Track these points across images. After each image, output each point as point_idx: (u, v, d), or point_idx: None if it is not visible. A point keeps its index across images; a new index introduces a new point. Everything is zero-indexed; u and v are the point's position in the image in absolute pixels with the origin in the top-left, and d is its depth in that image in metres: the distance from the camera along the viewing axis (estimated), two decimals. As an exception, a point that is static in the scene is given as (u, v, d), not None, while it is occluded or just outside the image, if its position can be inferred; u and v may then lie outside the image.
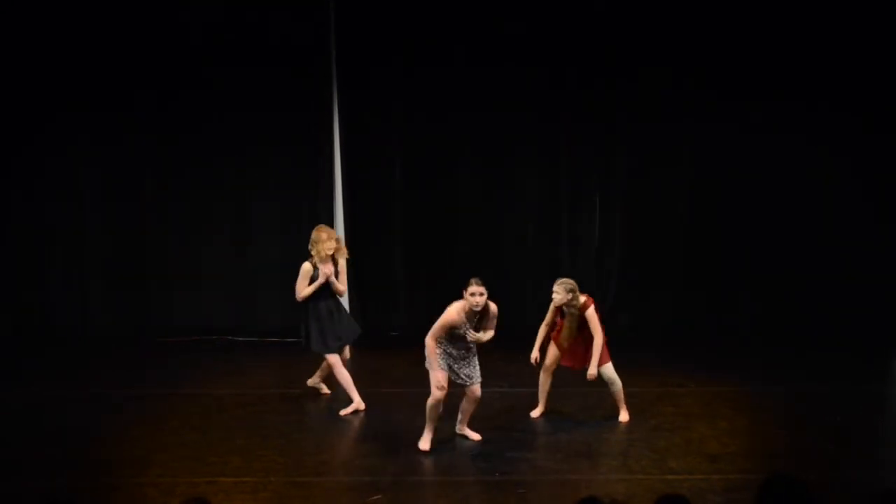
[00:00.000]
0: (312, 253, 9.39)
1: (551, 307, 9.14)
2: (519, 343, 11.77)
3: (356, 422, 9.54)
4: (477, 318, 8.14)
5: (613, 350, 11.86)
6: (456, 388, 8.44)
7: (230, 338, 12.18)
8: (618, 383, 9.26)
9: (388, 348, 11.60)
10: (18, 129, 12.00)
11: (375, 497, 7.48)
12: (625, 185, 12.41)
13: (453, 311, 8.06)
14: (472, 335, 8.11)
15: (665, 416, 9.51)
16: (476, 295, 7.96)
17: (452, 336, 8.16)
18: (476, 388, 8.47)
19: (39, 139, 12.04)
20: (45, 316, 12.36)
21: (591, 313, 8.99)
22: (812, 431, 9.13)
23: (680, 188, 12.32)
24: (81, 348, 11.87)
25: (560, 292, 8.94)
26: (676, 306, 12.30)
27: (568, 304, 8.96)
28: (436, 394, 8.21)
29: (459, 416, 8.70)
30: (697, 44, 11.88)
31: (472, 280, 8.04)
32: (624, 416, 9.32)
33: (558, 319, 9.21)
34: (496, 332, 8.30)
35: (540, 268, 12.48)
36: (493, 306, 8.20)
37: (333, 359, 9.54)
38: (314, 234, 9.40)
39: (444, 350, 8.20)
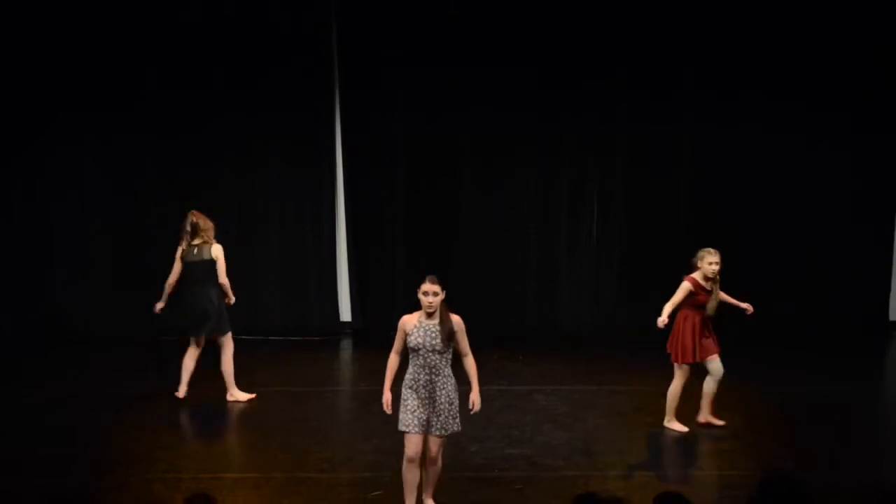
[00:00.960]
0: (207, 237, 9.72)
1: (688, 284, 8.81)
2: (519, 342, 11.93)
3: (358, 419, 9.65)
4: (442, 334, 6.88)
5: (612, 348, 12.06)
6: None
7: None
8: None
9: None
10: (22, 129, 12.06)
11: (376, 493, 7.61)
12: (624, 184, 12.47)
13: (407, 316, 7.00)
14: (475, 397, 7.04)
15: (661, 413, 9.50)
16: (429, 294, 6.84)
17: (415, 353, 6.92)
18: (436, 443, 6.98)
19: (43, 139, 12.11)
20: (49, 315, 12.35)
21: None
22: (808, 430, 9.26)
23: (679, 188, 12.39)
24: (85, 347, 11.91)
25: (720, 262, 8.80)
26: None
27: (717, 273, 8.83)
28: (407, 462, 7.04)
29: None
30: (697, 45, 11.97)
31: (427, 277, 6.93)
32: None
33: (693, 312, 8.84)
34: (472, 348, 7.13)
35: (539, 267, 12.58)
36: (457, 319, 6.98)
37: (229, 339, 9.92)
38: (204, 222, 9.76)
39: (413, 376, 6.95)
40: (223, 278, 9.74)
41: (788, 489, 4.74)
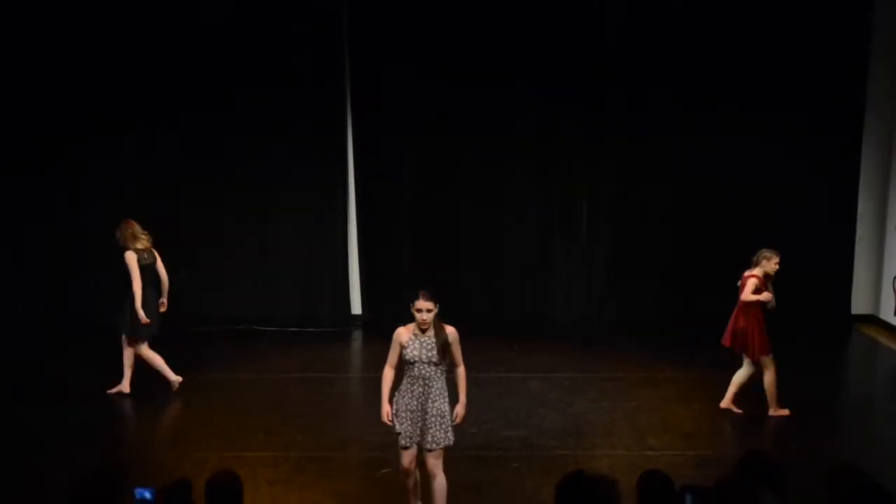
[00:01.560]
0: (147, 242, 9.59)
1: (756, 280, 8.92)
2: (516, 332, 11.96)
3: (367, 404, 9.63)
4: (435, 346, 6.48)
5: (601, 340, 12.08)
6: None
7: (254, 327, 12.29)
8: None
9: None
10: (67, 137, 11.95)
11: (384, 470, 7.70)
12: (611, 191, 12.45)
13: (401, 329, 6.58)
14: (459, 410, 6.69)
15: (645, 398, 9.70)
16: (423, 311, 6.42)
17: (410, 366, 6.54)
18: (432, 459, 6.61)
19: (84, 146, 12.02)
20: (89, 308, 12.08)
21: None
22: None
23: (661, 194, 12.34)
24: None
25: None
26: (658, 301, 12.41)
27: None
28: (402, 473, 6.79)
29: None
30: (676, 66, 11.94)
31: (420, 292, 6.46)
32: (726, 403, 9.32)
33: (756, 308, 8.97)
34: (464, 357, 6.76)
35: (534, 265, 12.57)
36: (451, 330, 6.53)
37: None
38: (137, 227, 9.57)
39: (407, 387, 6.59)
40: (166, 276, 9.73)
41: (763, 465, 4.79)
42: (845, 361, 11.78)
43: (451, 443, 6.67)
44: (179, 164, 12.28)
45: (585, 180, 12.55)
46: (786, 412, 9.13)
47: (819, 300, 12.19)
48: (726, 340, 9.14)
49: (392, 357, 6.64)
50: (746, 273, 9.05)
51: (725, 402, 9.25)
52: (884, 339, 12.04)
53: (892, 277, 12.17)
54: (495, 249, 12.54)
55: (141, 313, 9.40)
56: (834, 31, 11.97)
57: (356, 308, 12.77)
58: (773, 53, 11.97)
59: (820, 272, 12.20)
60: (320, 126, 12.31)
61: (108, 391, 9.70)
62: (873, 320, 12.62)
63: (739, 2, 11.96)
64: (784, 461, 4.94)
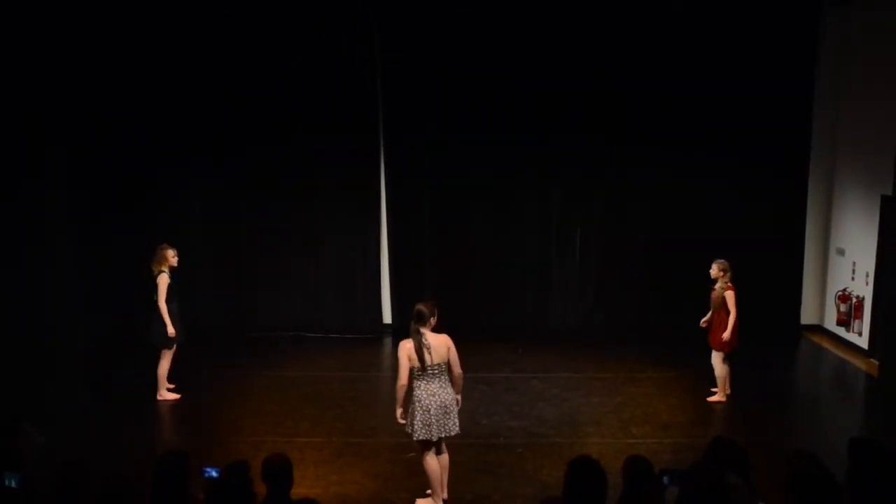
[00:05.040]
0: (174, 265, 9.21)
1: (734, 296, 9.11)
2: (519, 339, 11.87)
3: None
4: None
5: (592, 345, 11.94)
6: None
7: (302, 333, 12.26)
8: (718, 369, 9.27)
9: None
10: (155, 166, 11.81)
11: (410, 454, 7.63)
12: (600, 216, 12.36)
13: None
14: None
15: (629, 394, 9.61)
16: None
17: None
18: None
19: (168, 178, 11.95)
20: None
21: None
22: (741, 406, 9.23)
23: (641, 220, 12.29)
24: (188, 341, 11.55)
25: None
26: (640, 311, 12.30)
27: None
28: None
29: None
30: (655, 118, 11.92)
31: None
32: (716, 396, 9.36)
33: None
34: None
35: (535, 281, 12.48)
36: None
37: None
38: (170, 251, 9.17)
39: None
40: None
41: (730, 451, 4.75)
42: (796, 363, 11.64)
43: (410, 433, 6.71)
44: (242, 197, 12.25)
45: (578, 209, 12.44)
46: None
47: (773, 312, 12.05)
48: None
49: None
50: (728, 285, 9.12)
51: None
52: (827, 345, 11.89)
53: (835, 293, 12.04)
54: (501, 269, 12.45)
55: (170, 328, 9.14)
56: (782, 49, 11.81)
57: (387, 318, 12.68)
58: (737, 119, 11.83)
59: (774, 288, 12.11)
60: (359, 168, 12.26)
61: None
62: (819, 329, 12.46)
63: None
64: (747, 447, 4.86)
